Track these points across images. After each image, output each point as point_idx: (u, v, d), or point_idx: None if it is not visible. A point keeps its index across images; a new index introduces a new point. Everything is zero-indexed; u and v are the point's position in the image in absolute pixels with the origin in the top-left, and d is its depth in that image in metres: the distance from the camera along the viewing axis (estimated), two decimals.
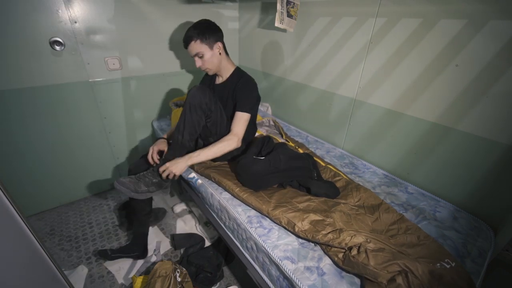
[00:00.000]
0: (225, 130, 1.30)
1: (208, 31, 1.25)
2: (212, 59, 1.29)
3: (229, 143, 1.23)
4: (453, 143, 1.14)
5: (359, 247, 0.84)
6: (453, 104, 1.09)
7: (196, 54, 1.28)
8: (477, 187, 1.12)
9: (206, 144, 1.32)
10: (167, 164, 1.19)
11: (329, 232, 0.90)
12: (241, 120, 1.27)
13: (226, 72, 1.38)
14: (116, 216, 1.80)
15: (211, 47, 1.28)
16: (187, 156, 1.22)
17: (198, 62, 1.31)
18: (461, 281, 0.77)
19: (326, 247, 0.92)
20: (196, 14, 1.88)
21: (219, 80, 1.43)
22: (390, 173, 1.40)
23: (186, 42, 1.27)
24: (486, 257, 0.93)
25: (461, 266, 0.83)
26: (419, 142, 1.25)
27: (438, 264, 0.82)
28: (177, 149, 1.24)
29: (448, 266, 0.81)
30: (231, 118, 1.31)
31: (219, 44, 1.30)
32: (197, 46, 1.25)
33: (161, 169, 1.20)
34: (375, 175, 1.38)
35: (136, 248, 1.46)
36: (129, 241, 1.53)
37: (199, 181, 1.33)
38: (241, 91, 1.29)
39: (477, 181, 1.11)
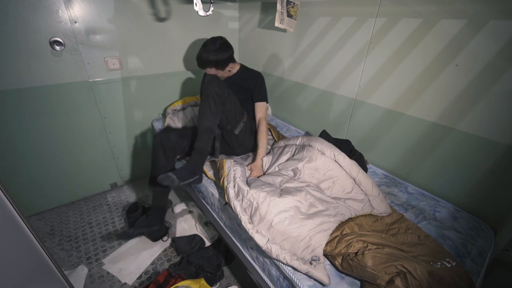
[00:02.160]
0: (240, 117, 1.40)
1: (222, 59, 1.41)
2: (222, 74, 1.51)
3: (265, 128, 1.45)
4: (453, 143, 1.14)
5: (357, 251, 0.84)
6: (453, 104, 1.09)
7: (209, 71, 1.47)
8: (477, 187, 1.12)
9: (224, 133, 1.41)
10: (253, 172, 1.27)
11: (328, 242, 0.90)
12: (263, 107, 1.52)
13: (233, 71, 1.55)
14: (124, 218, 1.80)
15: (224, 69, 1.47)
16: (258, 157, 1.35)
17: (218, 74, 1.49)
18: (460, 281, 0.77)
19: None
20: (196, 14, 1.88)
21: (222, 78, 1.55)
22: (390, 173, 1.40)
23: (202, 66, 1.43)
24: (486, 257, 0.94)
25: (461, 266, 0.83)
26: (419, 142, 1.25)
27: (439, 263, 0.82)
28: (206, 135, 1.28)
29: (449, 265, 0.81)
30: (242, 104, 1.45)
31: (231, 64, 1.47)
32: (211, 71, 1.45)
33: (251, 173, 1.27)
34: (375, 175, 1.38)
35: (156, 221, 1.48)
36: (128, 241, 1.53)
37: None
38: (255, 83, 1.52)
39: (477, 181, 1.11)
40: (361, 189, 1.08)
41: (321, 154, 1.16)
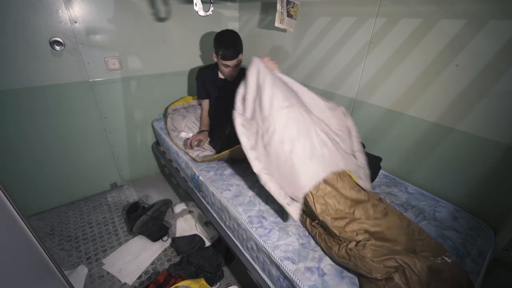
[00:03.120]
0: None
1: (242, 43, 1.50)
2: (240, 65, 1.55)
3: None
4: (453, 143, 1.14)
5: (357, 242, 0.83)
6: (453, 104, 1.09)
7: (237, 64, 1.50)
8: (477, 187, 1.12)
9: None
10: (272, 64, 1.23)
11: (337, 218, 0.90)
12: None
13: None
14: (124, 218, 1.80)
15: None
16: None
17: (234, 71, 1.53)
18: (460, 277, 0.76)
19: (319, 237, 0.93)
20: (196, 14, 1.88)
21: (231, 78, 1.60)
22: (390, 173, 1.40)
23: (236, 54, 1.45)
24: (486, 257, 0.94)
25: (460, 264, 0.83)
26: (419, 142, 1.25)
27: (439, 258, 0.80)
28: None
29: (449, 261, 0.80)
30: None
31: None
32: (241, 57, 1.50)
33: None
34: None
35: None
36: (128, 241, 1.53)
37: (201, 178, 1.33)
38: None
39: (477, 181, 1.11)
40: (355, 157, 1.11)
41: (343, 115, 1.16)
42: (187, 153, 1.54)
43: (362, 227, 0.89)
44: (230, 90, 1.53)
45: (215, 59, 1.54)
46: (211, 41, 2.06)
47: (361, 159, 1.11)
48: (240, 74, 1.58)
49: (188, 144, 1.57)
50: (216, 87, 1.65)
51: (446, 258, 0.82)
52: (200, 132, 1.69)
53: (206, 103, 1.72)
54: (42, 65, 1.47)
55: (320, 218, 0.91)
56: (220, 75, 1.64)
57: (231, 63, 1.46)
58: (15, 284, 0.70)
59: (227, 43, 1.43)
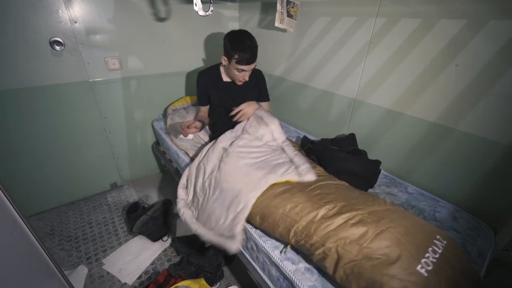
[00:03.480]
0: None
1: None
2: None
3: None
4: (453, 143, 1.14)
5: (336, 264, 0.76)
6: (453, 104, 1.09)
7: (252, 68, 1.39)
8: (477, 187, 1.12)
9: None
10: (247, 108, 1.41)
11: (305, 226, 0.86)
12: (268, 107, 1.67)
13: None
14: (124, 218, 1.80)
15: None
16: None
17: (248, 75, 1.39)
18: (457, 261, 0.72)
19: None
20: (196, 14, 1.87)
21: (240, 82, 1.45)
22: (390, 173, 1.40)
23: (254, 57, 1.33)
24: (486, 257, 0.93)
25: (456, 245, 0.78)
26: (419, 142, 1.25)
27: (431, 249, 0.73)
28: None
29: (442, 248, 0.74)
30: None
31: None
32: (254, 64, 1.37)
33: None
34: None
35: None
36: (128, 241, 1.52)
37: None
38: (262, 83, 1.61)
39: (477, 181, 1.11)
40: (294, 161, 1.20)
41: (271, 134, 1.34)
42: (187, 154, 1.54)
43: (329, 227, 0.81)
44: (237, 94, 1.50)
45: (224, 62, 1.37)
46: (211, 41, 2.08)
47: (299, 160, 1.19)
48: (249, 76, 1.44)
49: (180, 128, 1.39)
50: (220, 92, 1.51)
51: (438, 241, 0.74)
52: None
53: (205, 109, 1.59)
54: (42, 65, 1.47)
55: (291, 236, 0.88)
56: (225, 78, 1.50)
57: (248, 67, 1.32)
58: (15, 284, 0.70)
59: (245, 45, 1.26)
